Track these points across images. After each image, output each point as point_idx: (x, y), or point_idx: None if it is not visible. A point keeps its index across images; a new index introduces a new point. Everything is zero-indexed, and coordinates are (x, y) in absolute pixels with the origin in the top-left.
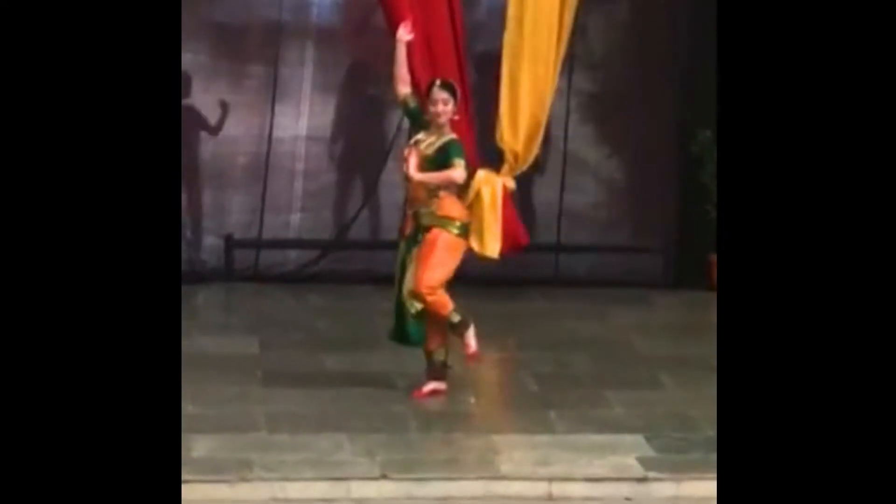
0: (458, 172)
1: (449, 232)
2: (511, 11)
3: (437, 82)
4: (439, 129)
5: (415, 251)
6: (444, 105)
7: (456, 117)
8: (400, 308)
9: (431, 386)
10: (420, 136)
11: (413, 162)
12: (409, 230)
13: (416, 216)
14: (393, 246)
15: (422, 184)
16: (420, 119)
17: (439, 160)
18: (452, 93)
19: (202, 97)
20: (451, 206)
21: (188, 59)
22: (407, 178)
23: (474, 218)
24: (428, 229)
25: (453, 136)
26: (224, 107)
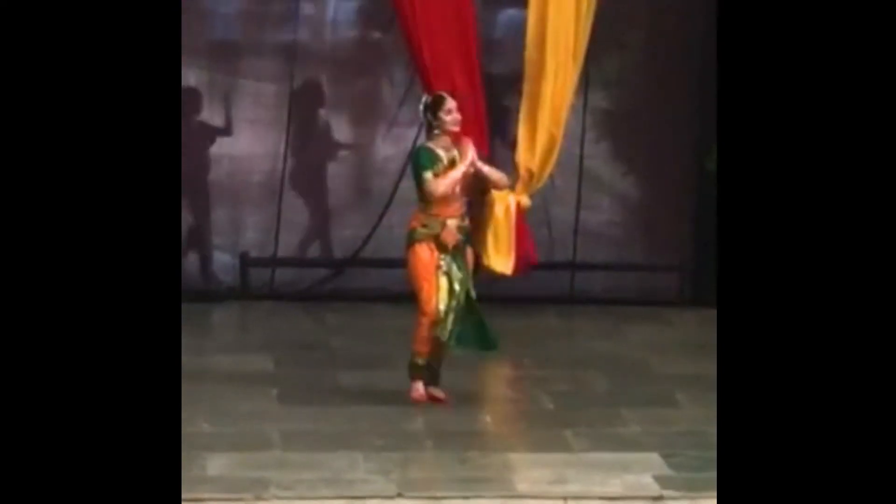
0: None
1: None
2: (531, 30)
3: (448, 94)
4: (446, 139)
5: (461, 262)
6: (457, 113)
7: (456, 128)
8: (470, 316)
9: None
10: (439, 151)
11: (471, 155)
12: (453, 242)
13: (458, 229)
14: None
15: (460, 196)
16: (434, 155)
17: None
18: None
19: (217, 115)
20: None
21: (202, 77)
22: (434, 193)
23: (487, 234)
24: (465, 243)
25: (460, 143)
26: None
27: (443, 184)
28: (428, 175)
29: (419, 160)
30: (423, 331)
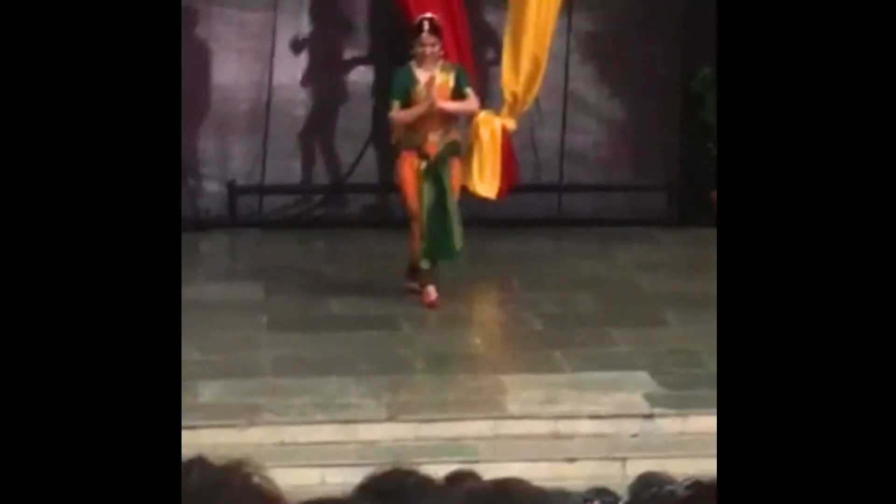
0: (474, 102)
1: (458, 156)
2: None
3: (427, 16)
4: (433, 62)
5: (443, 174)
6: (428, 37)
7: (442, 52)
8: (439, 225)
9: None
10: (417, 72)
11: (434, 93)
12: (433, 154)
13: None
14: (395, 189)
15: (446, 114)
16: (409, 80)
17: (452, 89)
18: (437, 30)
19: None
20: (456, 131)
21: (186, 4)
22: (392, 122)
23: (473, 158)
24: (447, 156)
25: (447, 63)
26: None
27: (400, 116)
28: (394, 104)
29: (390, 85)
30: (416, 233)
